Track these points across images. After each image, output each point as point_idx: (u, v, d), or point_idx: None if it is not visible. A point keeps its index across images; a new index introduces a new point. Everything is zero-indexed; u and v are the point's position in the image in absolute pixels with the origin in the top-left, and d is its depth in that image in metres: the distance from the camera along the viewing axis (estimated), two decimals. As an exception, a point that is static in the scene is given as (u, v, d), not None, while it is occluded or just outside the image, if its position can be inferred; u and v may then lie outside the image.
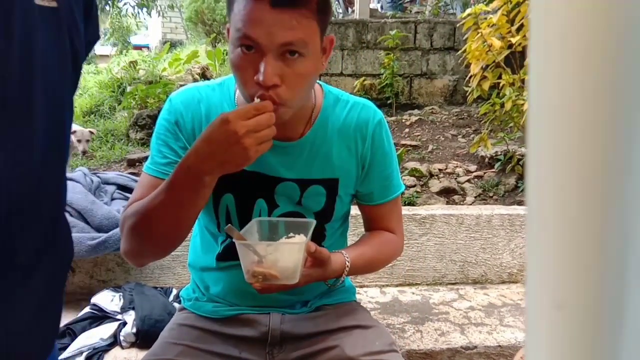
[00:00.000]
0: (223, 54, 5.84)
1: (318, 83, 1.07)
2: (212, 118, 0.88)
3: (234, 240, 0.88)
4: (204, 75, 5.25)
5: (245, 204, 1.04)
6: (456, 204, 2.81)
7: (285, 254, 0.89)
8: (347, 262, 1.01)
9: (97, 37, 0.75)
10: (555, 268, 0.19)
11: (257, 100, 0.84)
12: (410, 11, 8.31)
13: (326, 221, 1.09)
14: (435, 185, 3.01)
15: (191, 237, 1.21)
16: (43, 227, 0.66)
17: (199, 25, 10.44)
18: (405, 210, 2.03)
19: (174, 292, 1.81)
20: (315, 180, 1.04)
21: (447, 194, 2.92)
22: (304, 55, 0.86)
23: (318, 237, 1.07)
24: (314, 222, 0.95)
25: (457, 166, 3.29)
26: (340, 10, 9.83)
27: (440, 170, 3.22)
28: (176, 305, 1.68)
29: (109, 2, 5.33)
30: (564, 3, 0.18)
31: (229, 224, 0.91)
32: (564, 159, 0.18)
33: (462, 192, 2.99)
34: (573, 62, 0.19)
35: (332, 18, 7.61)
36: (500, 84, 2.55)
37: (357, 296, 1.25)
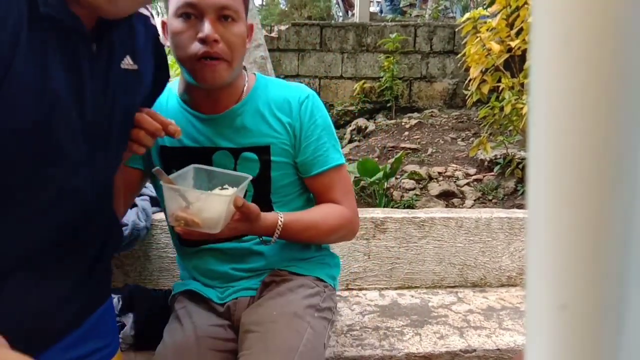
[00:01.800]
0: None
1: (253, 73, 1.19)
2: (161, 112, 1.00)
3: (161, 183, 0.91)
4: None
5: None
6: (455, 207, 2.81)
7: (211, 204, 0.92)
8: (279, 220, 1.05)
9: (168, 77, 1.03)
10: (557, 269, 0.19)
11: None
12: (410, 15, 8.33)
13: (267, 190, 1.13)
14: (435, 188, 3.02)
15: None
16: (107, 222, 0.93)
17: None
18: (404, 213, 2.03)
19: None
20: (246, 148, 1.11)
21: (446, 197, 2.93)
22: (236, 20, 1.02)
23: (265, 206, 1.08)
24: (249, 176, 0.99)
25: (456, 169, 3.29)
26: (340, 14, 9.86)
27: (439, 173, 3.23)
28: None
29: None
30: (565, 6, 0.18)
31: (157, 167, 0.95)
32: (565, 161, 0.19)
33: (461, 195, 2.99)
34: (575, 65, 0.19)
35: (332, 21, 7.62)
36: (500, 88, 2.56)
37: (355, 299, 1.25)
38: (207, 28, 0.97)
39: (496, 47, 2.33)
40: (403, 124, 4.31)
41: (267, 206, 1.12)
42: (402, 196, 2.97)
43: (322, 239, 1.22)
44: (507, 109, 2.45)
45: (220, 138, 1.11)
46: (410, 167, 3.17)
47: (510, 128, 2.69)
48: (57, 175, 0.77)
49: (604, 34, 0.18)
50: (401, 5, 9.72)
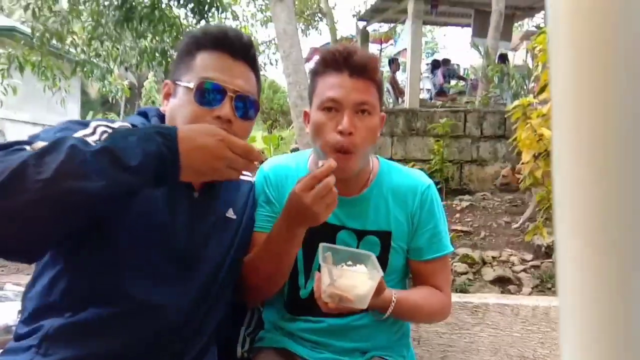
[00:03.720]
0: (277, 139, 6.16)
1: (376, 157, 1.30)
2: (290, 181, 1.18)
3: (320, 262, 1.00)
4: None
5: (310, 251, 1.18)
6: (512, 294, 2.67)
7: (363, 282, 0.99)
8: (393, 298, 1.13)
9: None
10: (586, 336, 0.21)
11: (320, 163, 1.03)
12: (460, 102, 8.51)
13: (383, 272, 1.17)
14: (489, 273, 2.90)
15: None
16: (205, 333, 1.06)
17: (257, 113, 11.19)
18: (457, 298, 1.96)
19: None
20: (371, 232, 1.21)
21: (501, 283, 2.80)
22: (371, 114, 1.13)
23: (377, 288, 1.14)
24: (372, 254, 1.06)
25: (511, 254, 3.17)
26: (391, 100, 10.26)
27: (493, 257, 3.12)
28: None
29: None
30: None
31: (324, 244, 1.06)
32: (585, 233, 0.22)
33: (517, 282, 2.85)
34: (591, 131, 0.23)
35: (383, 107, 7.95)
36: (554, 172, 2.53)
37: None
38: (345, 121, 1.08)
39: (547, 132, 2.34)
40: (454, 206, 4.27)
41: (379, 288, 1.20)
42: (454, 280, 2.87)
43: (422, 319, 1.37)
44: (563, 194, 2.39)
45: (347, 218, 1.20)
46: (462, 250, 3.09)
47: (567, 213, 2.60)
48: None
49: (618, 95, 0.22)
50: (451, 93, 9.99)
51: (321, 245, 1.06)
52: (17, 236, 0.75)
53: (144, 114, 1.09)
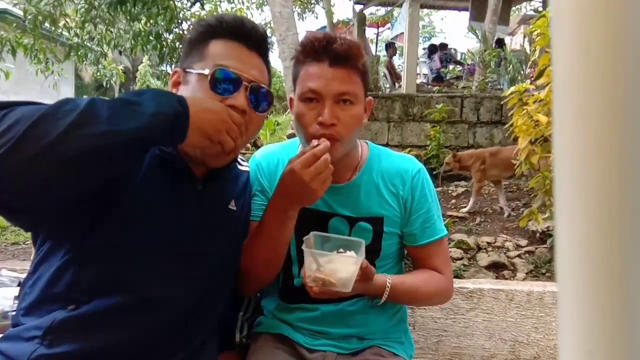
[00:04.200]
0: (273, 124, 6.13)
1: (365, 142, 1.29)
2: (281, 169, 1.14)
3: (303, 247, 1.02)
4: (254, 144, 5.52)
5: (302, 239, 1.18)
6: (506, 279, 2.70)
7: (344, 266, 1.01)
8: (387, 283, 1.14)
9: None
10: (584, 319, 0.21)
11: (314, 142, 1.03)
12: (457, 87, 8.48)
13: (376, 257, 1.21)
14: (484, 259, 2.92)
15: None
16: (208, 324, 1.08)
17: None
18: (452, 283, 1.98)
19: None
20: (362, 218, 1.20)
21: (496, 268, 2.82)
22: (354, 103, 1.10)
23: (364, 272, 1.14)
24: (362, 241, 1.07)
25: (506, 240, 3.19)
26: (388, 85, 10.21)
27: (488, 243, 3.14)
28: None
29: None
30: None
31: (310, 234, 1.06)
32: (585, 219, 0.21)
33: (512, 268, 2.87)
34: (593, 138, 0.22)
35: (380, 92, 7.91)
36: (550, 158, 2.53)
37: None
38: (325, 113, 1.07)
39: (544, 118, 2.34)
40: (450, 192, 4.28)
41: None
42: (449, 266, 2.89)
43: (421, 302, 1.39)
44: (558, 180, 2.40)
45: (338, 206, 1.21)
46: (457, 236, 3.10)
47: (563, 199, 2.61)
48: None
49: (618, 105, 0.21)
50: (448, 78, 9.94)
51: (312, 233, 1.07)
52: (29, 186, 0.74)
53: None
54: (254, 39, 1.03)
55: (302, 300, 1.20)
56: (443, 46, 10.88)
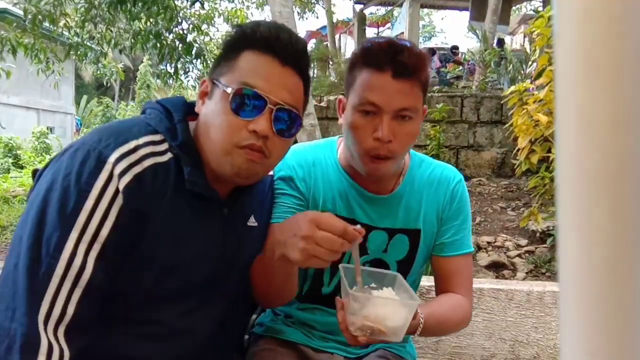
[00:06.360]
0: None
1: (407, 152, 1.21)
2: (318, 168, 1.13)
3: (342, 288, 0.92)
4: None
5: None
6: (506, 279, 2.70)
7: (398, 312, 0.87)
8: (420, 320, 1.02)
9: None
10: (587, 320, 0.21)
11: (358, 227, 0.87)
12: (457, 86, 8.48)
13: (407, 271, 1.16)
14: (484, 258, 2.93)
15: None
16: (230, 345, 1.09)
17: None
18: (452, 283, 1.98)
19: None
20: (401, 230, 1.16)
21: (496, 268, 2.83)
22: (413, 118, 1.03)
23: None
24: (399, 275, 0.98)
25: (506, 240, 3.19)
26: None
27: (488, 243, 3.14)
28: None
29: (172, 77, 5.92)
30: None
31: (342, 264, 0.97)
32: (590, 223, 0.21)
33: (512, 267, 2.87)
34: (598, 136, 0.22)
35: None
36: (550, 158, 2.53)
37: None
38: (384, 129, 0.99)
39: (544, 118, 2.34)
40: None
41: None
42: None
43: (449, 332, 1.33)
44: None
45: (379, 218, 1.15)
46: (457, 236, 3.11)
47: (563, 199, 2.61)
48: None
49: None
50: (448, 77, 9.95)
51: (340, 266, 0.96)
52: None
53: (166, 111, 0.95)
54: (289, 53, 0.92)
55: (325, 303, 1.17)
56: (454, 48, 10.96)
